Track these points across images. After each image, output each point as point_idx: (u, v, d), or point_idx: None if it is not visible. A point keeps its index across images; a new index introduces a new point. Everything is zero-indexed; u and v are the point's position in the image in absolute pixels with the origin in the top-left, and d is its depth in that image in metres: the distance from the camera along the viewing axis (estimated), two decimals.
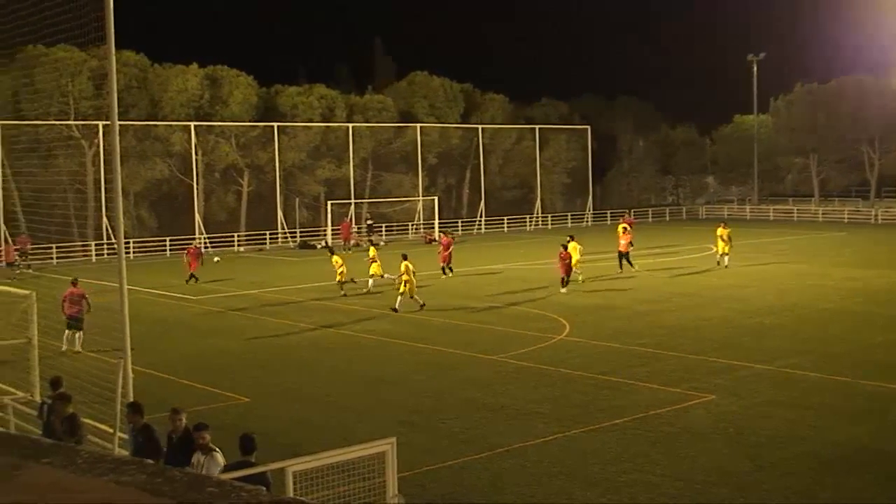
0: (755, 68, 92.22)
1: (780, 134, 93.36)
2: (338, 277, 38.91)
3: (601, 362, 25.37)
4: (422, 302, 34.49)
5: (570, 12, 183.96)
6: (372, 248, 42.09)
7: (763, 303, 35.26)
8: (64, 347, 27.45)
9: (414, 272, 35.06)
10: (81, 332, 28.09)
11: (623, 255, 44.36)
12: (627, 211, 72.17)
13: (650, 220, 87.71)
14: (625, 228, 46.00)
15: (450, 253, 44.61)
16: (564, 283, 38.58)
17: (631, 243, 45.17)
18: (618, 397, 21.63)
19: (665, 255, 52.61)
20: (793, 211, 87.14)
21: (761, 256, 50.93)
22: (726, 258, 45.73)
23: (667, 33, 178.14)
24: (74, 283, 29.31)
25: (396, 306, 34.06)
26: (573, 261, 39.59)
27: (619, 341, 28.16)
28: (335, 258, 39.55)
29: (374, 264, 39.72)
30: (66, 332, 27.83)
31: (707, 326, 30.57)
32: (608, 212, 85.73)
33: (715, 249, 47.47)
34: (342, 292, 38.59)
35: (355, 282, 39.60)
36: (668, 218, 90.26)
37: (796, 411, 20.15)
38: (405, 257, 35.54)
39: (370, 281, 39.56)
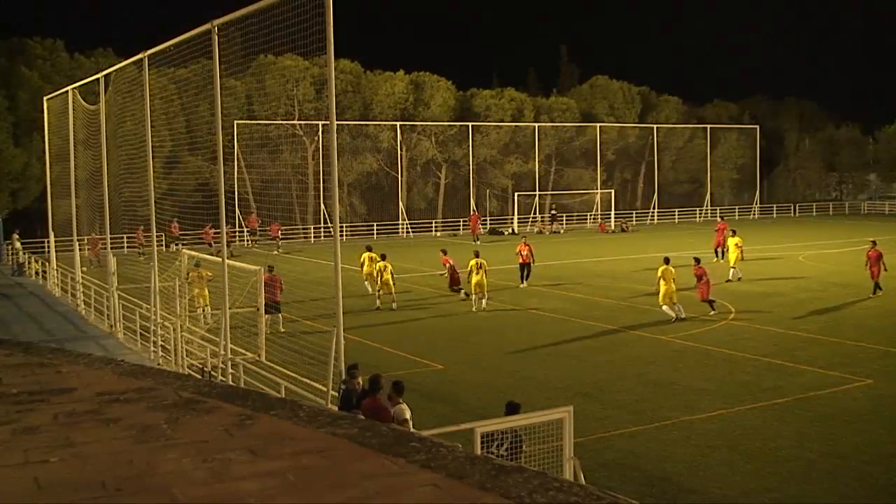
0: None
1: None
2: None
3: (764, 345, 24.59)
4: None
5: (739, 21, 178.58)
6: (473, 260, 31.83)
7: None
8: (267, 331, 22.61)
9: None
10: (280, 315, 27.17)
11: (524, 266, 36.75)
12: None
13: (814, 214, 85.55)
14: (525, 241, 37.82)
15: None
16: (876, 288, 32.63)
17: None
18: (779, 378, 20.93)
19: (827, 248, 50.57)
20: None
21: None
22: (732, 271, 37.63)
23: (833, 39, 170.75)
24: (270, 270, 26.48)
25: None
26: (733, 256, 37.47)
27: (782, 326, 27.22)
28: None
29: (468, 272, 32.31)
30: (266, 316, 22.50)
31: (865, 315, 29.23)
32: (774, 206, 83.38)
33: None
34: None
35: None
36: (831, 213, 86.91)
37: None
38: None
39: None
